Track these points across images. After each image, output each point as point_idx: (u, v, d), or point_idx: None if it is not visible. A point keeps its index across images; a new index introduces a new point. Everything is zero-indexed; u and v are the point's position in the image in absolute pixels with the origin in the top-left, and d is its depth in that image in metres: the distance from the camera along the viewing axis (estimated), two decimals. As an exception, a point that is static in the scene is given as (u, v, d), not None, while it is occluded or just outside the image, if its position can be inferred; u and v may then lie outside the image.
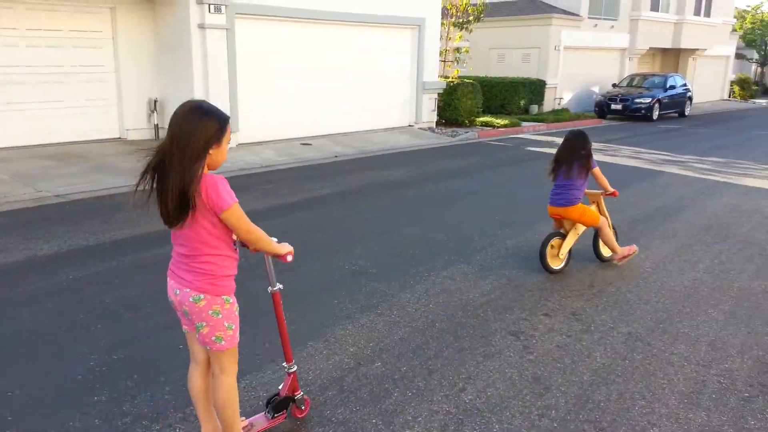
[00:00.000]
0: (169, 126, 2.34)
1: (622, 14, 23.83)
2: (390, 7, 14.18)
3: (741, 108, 28.62)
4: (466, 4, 17.45)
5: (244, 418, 2.91)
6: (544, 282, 5.07)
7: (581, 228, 5.34)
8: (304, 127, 13.16)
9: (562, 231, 5.41)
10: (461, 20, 17.59)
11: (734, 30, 34.93)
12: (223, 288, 2.51)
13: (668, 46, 26.70)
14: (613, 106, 20.47)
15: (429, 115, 15.93)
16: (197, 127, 2.31)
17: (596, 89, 23.84)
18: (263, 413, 2.97)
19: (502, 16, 21.88)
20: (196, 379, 2.70)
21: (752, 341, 3.99)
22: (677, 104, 21.69)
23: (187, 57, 11.04)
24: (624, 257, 5.45)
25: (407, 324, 4.21)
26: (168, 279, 2.56)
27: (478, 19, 17.64)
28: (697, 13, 27.14)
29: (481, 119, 17.14)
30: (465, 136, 14.99)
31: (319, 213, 7.34)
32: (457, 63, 18.13)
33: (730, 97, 34.90)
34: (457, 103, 16.25)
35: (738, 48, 37.08)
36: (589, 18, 22.26)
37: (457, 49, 18.23)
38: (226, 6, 11.04)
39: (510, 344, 3.94)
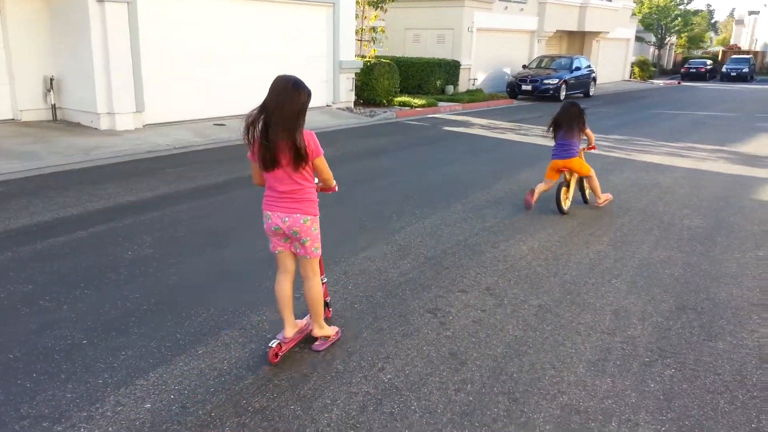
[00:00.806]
0: (272, 95, 3.12)
1: (531, -3, 24.54)
2: (303, -16, 13.86)
3: (641, 88, 30.38)
4: (381, -17, 17.36)
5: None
6: (460, 259, 5.17)
7: (576, 176, 6.75)
8: (217, 107, 12.68)
9: (555, 180, 6.69)
10: (376, 0, 17.49)
11: (634, 14, 36.88)
12: (317, 211, 3.44)
13: (574, 28, 27.84)
14: (523, 87, 21.15)
15: (347, 95, 15.80)
16: (294, 95, 3.10)
17: (508, 70, 24.52)
18: (307, 317, 3.76)
19: (417, -4, 21.96)
20: (286, 286, 3.52)
21: (651, 308, 4.25)
22: (582, 85, 22.69)
23: (85, 32, 10.33)
24: (604, 201, 6.92)
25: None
26: (269, 213, 3.35)
27: (392, -2, 17.61)
28: (600, -3, 28.39)
29: (399, 99, 17.21)
30: (383, 116, 15.01)
31: (236, 196, 7.12)
32: (374, 43, 18.07)
33: (630, 77, 36.97)
34: (375, 83, 16.22)
35: (637, 31, 39.26)
36: (500, 0, 22.76)
37: (373, 29, 18.15)
38: (126, -22, 10.39)
39: (428, 322, 3.99)
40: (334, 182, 3.57)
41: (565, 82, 21.15)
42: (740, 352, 3.64)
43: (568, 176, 6.70)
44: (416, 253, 5.31)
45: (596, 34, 29.81)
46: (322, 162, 3.34)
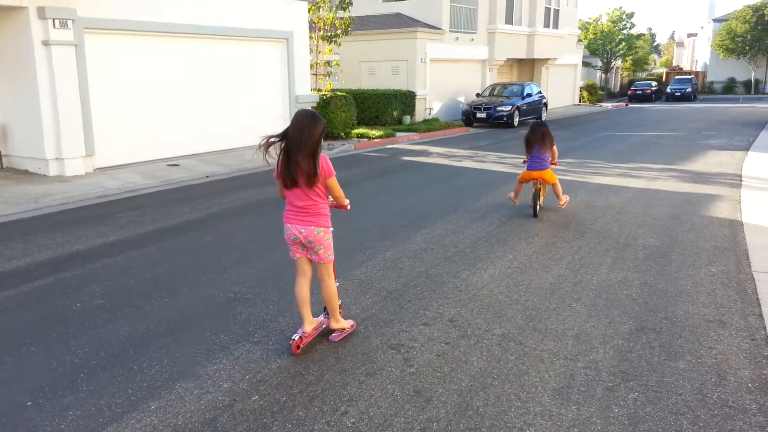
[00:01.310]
0: (294, 126, 3.74)
1: (480, 28, 25.23)
2: (255, 21, 13.93)
3: (590, 111, 31.34)
4: (332, 18, 17.57)
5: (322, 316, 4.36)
6: (422, 291, 5.13)
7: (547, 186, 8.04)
8: (170, 147, 12.51)
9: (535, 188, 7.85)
10: (329, 34, 17.68)
11: (580, 40, 38.26)
12: (329, 224, 4.01)
13: (523, 56, 28.66)
14: (478, 115, 21.57)
15: (303, 129, 15.77)
16: (313, 126, 3.72)
17: (462, 99, 25.01)
18: (322, 315, 4.39)
19: (370, 30, 22.32)
20: (304, 288, 4.10)
21: (612, 331, 4.28)
22: (535, 110, 23.27)
23: (31, 77, 10.11)
24: (565, 202, 7.98)
25: (286, 350, 4.05)
26: (288, 225, 3.98)
27: (345, 32, 17.83)
28: (546, 25, 29.40)
29: (357, 131, 17.31)
30: (341, 148, 15.04)
31: (189, 239, 6.95)
32: (329, 76, 18.21)
33: (580, 101, 38.14)
34: (332, 116, 16.29)
35: (584, 57, 40.70)
36: (450, 31, 23.32)
37: (328, 63, 18.30)
38: (72, 21, 10.25)
39: (391, 359, 3.92)
40: (347, 201, 4.13)
41: (518, 108, 21.65)
42: (700, 370, 3.68)
43: (538, 185, 7.84)
44: (378, 287, 5.25)
45: (545, 60, 30.76)
46: (333, 182, 3.93)
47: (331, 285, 4.13)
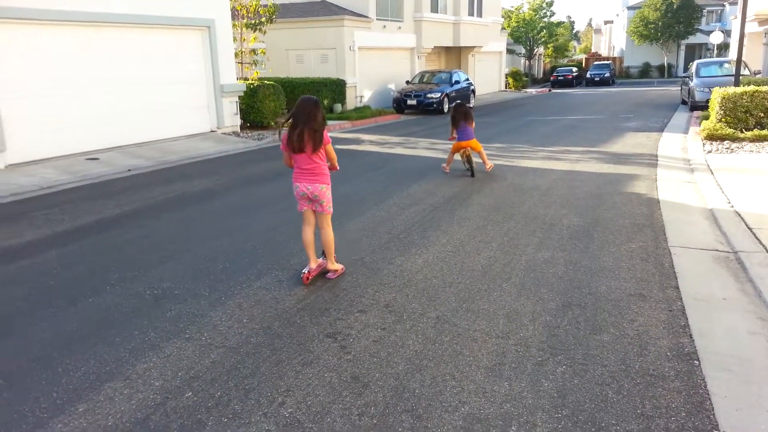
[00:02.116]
0: (300, 109, 4.77)
1: (407, 16, 25.34)
2: (174, 8, 13.39)
3: (516, 97, 32.19)
4: (256, 6, 17.18)
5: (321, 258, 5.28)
6: (358, 279, 5.14)
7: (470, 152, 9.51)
8: (90, 140, 11.92)
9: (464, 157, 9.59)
10: (254, 21, 17.28)
11: (503, 28, 39.16)
12: (329, 181, 5.04)
13: (450, 44, 29.05)
14: (409, 102, 21.74)
15: (232, 119, 15.42)
16: (315, 108, 4.79)
17: (392, 86, 25.10)
18: (321, 257, 5.31)
19: (295, 17, 21.98)
20: (309, 234, 5.10)
21: (540, 308, 4.43)
22: (463, 97, 23.65)
23: (-72, 68, 9.34)
24: (491, 166, 9.65)
25: (220, 344, 3.97)
26: (297, 183, 4.97)
27: (270, 20, 17.48)
28: (471, 13, 29.89)
29: (286, 121, 17.04)
30: (272, 138, 14.77)
31: (112, 236, 6.66)
32: (255, 65, 17.82)
33: (506, 88, 39.11)
34: (260, 106, 15.97)
35: (508, 44, 41.70)
36: (377, 19, 23.30)
37: (254, 51, 17.90)
38: (-27, 8, 9.53)
39: (328, 347, 3.91)
40: (337, 164, 5.19)
41: (447, 95, 21.96)
42: (623, 342, 3.88)
43: (468, 152, 9.50)
44: (312, 277, 5.21)
45: (471, 48, 31.30)
46: (330, 148, 5.00)
47: (330, 233, 5.13)
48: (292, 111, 4.84)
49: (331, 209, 5.12)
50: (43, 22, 10.88)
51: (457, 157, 9.82)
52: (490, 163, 9.73)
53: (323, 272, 5.22)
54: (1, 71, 10.24)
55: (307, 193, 4.96)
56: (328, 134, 4.96)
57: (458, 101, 10.59)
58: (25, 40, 10.69)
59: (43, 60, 11.01)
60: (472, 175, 9.45)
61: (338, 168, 5.21)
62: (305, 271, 5.09)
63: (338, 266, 5.25)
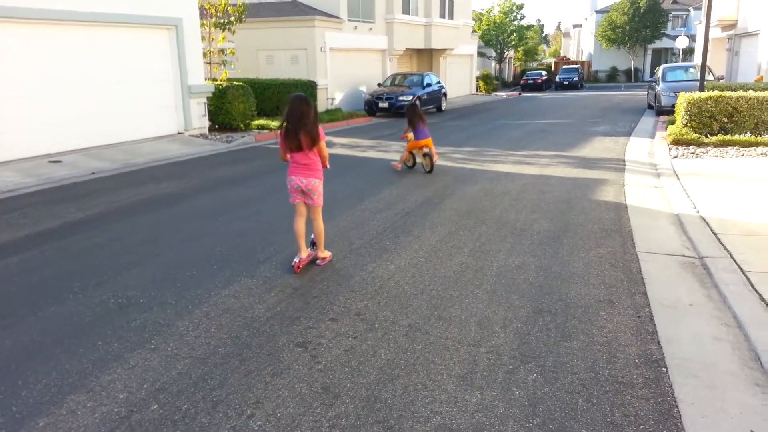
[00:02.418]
0: (293, 109, 5.09)
1: (378, 17, 25.34)
2: (139, 6, 13.11)
3: (487, 101, 32.47)
4: (225, 5, 16.96)
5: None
6: (329, 286, 5.08)
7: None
8: (53, 142, 11.60)
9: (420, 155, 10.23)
10: (222, 21, 17.06)
11: (474, 31, 39.46)
12: (322, 176, 5.45)
13: (422, 46, 29.16)
14: (380, 104, 21.75)
15: (200, 120, 15.19)
16: (307, 107, 5.11)
17: (364, 88, 25.06)
18: (310, 248, 5.72)
19: (266, 17, 21.78)
20: (300, 225, 5.48)
21: (511, 315, 4.45)
22: (435, 100, 23.77)
23: None
24: (437, 158, 10.55)
25: (187, 355, 3.87)
26: (293, 177, 5.34)
27: (239, 20, 17.27)
28: (442, 15, 30.06)
29: (257, 122, 16.89)
30: (241, 140, 14.60)
31: (75, 241, 6.48)
32: (224, 65, 17.58)
33: (477, 91, 39.42)
34: (229, 107, 15.76)
35: (479, 47, 42.05)
36: (349, 20, 23.24)
37: (222, 51, 17.67)
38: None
39: (298, 357, 3.85)
40: (328, 163, 5.51)
41: (419, 98, 22.01)
42: (592, 349, 3.91)
43: (424, 150, 10.14)
44: (283, 284, 5.14)
45: (443, 51, 31.46)
46: (323, 144, 5.32)
47: (320, 223, 5.57)
48: (286, 112, 5.17)
49: (322, 202, 5.52)
50: (3, 20, 10.54)
51: (416, 158, 10.60)
52: (437, 156, 10.56)
53: (313, 260, 5.64)
54: (-42, 69, 9.90)
55: (301, 186, 5.37)
56: (323, 131, 5.34)
57: (412, 103, 11.52)
58: (-15, 37, 10.36)
59: (5, 59, 10.67)
60: (431, 171, 10.21)
61: (328, 167, 5.51)
62: (296, 260, 5.43)
63: (327, 254, 5.73)
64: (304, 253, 5.49)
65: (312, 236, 5.69)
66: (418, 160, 10.53)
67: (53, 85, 11.59)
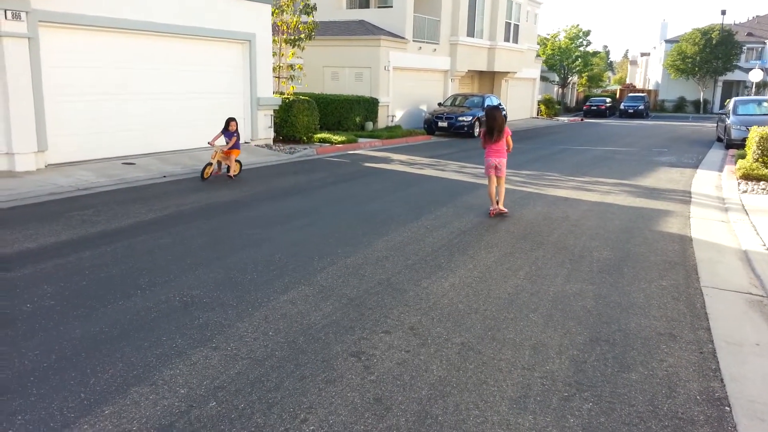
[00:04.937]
0: (491, 113, 8.50)
1: (443, 39, 25.53)
2: (216, 21, 13.73)
3: (547, 125, 32.07)
4: (296, 22, 17.49)
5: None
6: (384, 299, 5.14)
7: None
8: (126, 145, 12.21)
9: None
10: (293, 37, 17.58)
11: (538, 55, 39.16)
12: (506, 156, 8.64)
13: (484, 68, 29.14)
14: (440, 124, 21.82)
15: (266, 131, 15.66)
16: (500, 112, 8.60)
17: (424, 107, 25.23)
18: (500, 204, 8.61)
19: (334, 35, 22.30)
20: (492, 188, 8.55)
21: (567, 342, 4.38)
22: (495, 122, 23.59)
23: (-20, 68, 9.70)
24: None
25: (245, 356, 4.00)
26: (490, 158, 8.43)
27: (309, 37, 17.76)
28: (507, 39, 29.98)
29: (319, 136, 17.26)
30: (303, 152, 14.95)
31: (144, 240, 6.79)
32: (292, 80, 18.09)
33: (538, 115, 38.98)
34: (294, 120, 16.18)
35: (542, 71, 41.65)
36: (414, 41, 23.51)
37: (291, 66, 18.19)
38: (26, 12, 9.90)
39: (352, 366, 3.91)
40: (512, 149, 8.56)
41: (479, 119, 21.96)
42: (651, 382, 3.80)
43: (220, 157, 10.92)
44: (339, 294, 5.24)
45: (505, 73, 31.33)
46: (509, 137, 8.42)
47: (504, 186, 8.59)
48: (486, 119, 8.53)
49: (505, 172, 8.53)
50: (91, 28, 11.23)
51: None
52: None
53: (499, 213, 8.48)
54: (50, 74, 10.58)
55: (495, 163, 8.37)
56: (508, 129, 8.47)
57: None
58: (72, 44, 11.04)
59: (88, 65, 11.35)
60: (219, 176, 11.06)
61: (511, 151, 8.56)
62: (492, 209, 8.51)
63: (506, 210, 8.54)
64: (494, 206, 8.47)
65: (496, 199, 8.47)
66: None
67: (132, 90, 12.21)
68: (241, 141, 15.10)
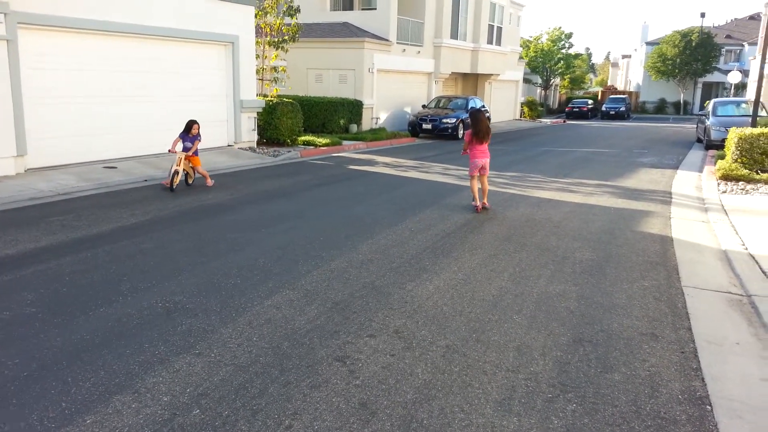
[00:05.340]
0: (477, 116, 9.03)
1: (426, 41, 25.60)
2: (200, 23, 13.64)
3: (531, 127, 32.30)
4: (280, 24, 17.44)
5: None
6: (368, 302, 5.13)
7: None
8: (108, 149, 12.08)
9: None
10: (276, 39, 17.53)
11: (521, 58, 39.43)
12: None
13: (467, 71, 29.27)
14: (424, 126, 21.88)
15: (249, 134, 15.59)
16: (484, 114, 9.37)
17: (408, 109, 25.28)
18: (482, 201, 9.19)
19: (317, 37, 22.27)
20: (476, 186, 9.05)
21: (551, 343, 4.41)
22: (479, 123, 23.71)
23: (-44, 71, 9.54)
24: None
25: (229, 362, 3.97)
26: (477, 159, 8.88)
27: (293, 39, 17.73)
28: (490, 42, 30.16)
29: (303, 138, 17.22)
30: (287, 155, 14.91)
31: (126, 245, 6.72)
32: (276, 82, 18.03)
33: (521, 117, 39.25)
34: (278, 123, 16.13)
35: (525, 74, 41.94)
36: (397, 43, 23.55)
37: (275, 68, 18.13)
38: (5, 14, 9.76)
39: (336, 371, 3.90)
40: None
41: (462, 121, 22.07)
42: (634, 382, 3.84)
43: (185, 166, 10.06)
44: (323, 297, 5.22)
45: (488, 76, 31.50)
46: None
47: (487, 185, 9.16)
48: (473, 121, 8.95)
49: (488, 171, 9.16)
50: (71, 30, 11.10)
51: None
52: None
53: (483, 207, 9.03)
54: (30, 76, 10.44)
55: (483, 163, 8.86)
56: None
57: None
58: (52, 47, 10.90)
59: (70, 67, 11.22)
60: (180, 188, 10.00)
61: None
62: (477, 204, 8.96)
63: (488, 205, 9.20)
64: (479, 202, 8.96)
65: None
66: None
67: (113, 93, 12.09)
68: (225, 144, 15.08)
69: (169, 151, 10.08)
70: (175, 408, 3.40)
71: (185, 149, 9.97)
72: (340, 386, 3.70)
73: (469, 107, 23.26)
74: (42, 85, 10.76)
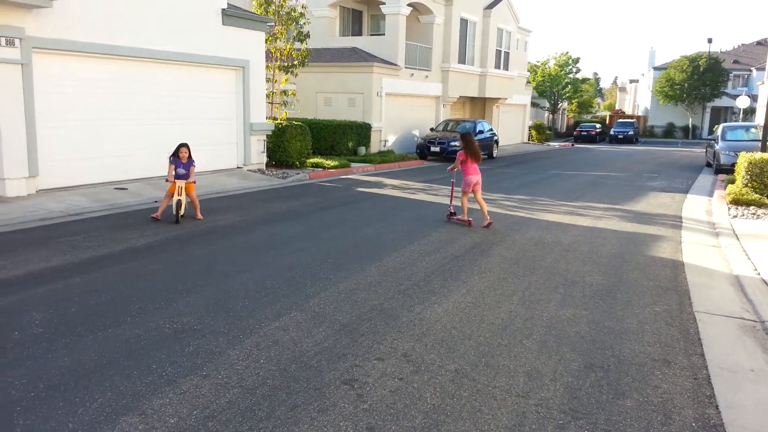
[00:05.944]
0: (469, 139, 9.78)
1: (434, 65, 25.85)
2: (212, 48, 13.85)
3: (538, 150, 32.34)
4: (290, 49, 17.67)
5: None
6: (377, 325, 5.10)
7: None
8: (120, 170, 12.19)
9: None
10: (286, 64, 17.74)
11: (528, 82, 39.66)
12: None
13: (475, 95, 29.48)
14: (432, 149, 21.96)
15: (259, 156, 15.69)
16: (473, 139, 9.94)
17: (417, 132, 25.42)
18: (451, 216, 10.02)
19: (327, 62, 22.54)
20: (466, 200, 9.84)
21: (562, 368, 4.35)
22: (486, 147, 23.82)
23: (-28, 93, 9.70)
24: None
25: (236, 384, 3.94)
26: (470, 176, 9.62)
27: (303, 63, 17.93)
28: (497, 66, 30.40)
29: (312, 160, 17.31)
30: (296, 177, 14.97)
31: (135, 266, 6.73)
32: (285, 105, 18.20)
33: (529, 140, 39.35)
34: (287, 145, 16.25)
35: (533, 98, 42.18)
36: (406, 68, 23.79)
37: (284, 92, 18.32)
38: (20, 39, 9.94)
39: (344, 394, 3.86)
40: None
41: (471, 144, 22.12)
42: (646, 408, 3.77)
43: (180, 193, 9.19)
44: (331, 320, 5.20)
45: (496, 99, 31.70)
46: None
47: (480, 197, 9.73)
48: (467, 143, 9.61)
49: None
50: (85, 55, 11.29)
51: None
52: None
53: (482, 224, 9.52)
54: (43, 99, 10.60)
55: (476, 180, 9.58)
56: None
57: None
58: (65, 70, 11.08)
59: (82, 91, 11.38)
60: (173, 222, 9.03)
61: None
62: (470, 219, 9.60)
63: (488, 220, 9.57)
64: (466, 216, 9.66)
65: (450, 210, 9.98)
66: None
67: (125, 116, 12.24)
68: (234, 165, 15.18)
69: (167, 180, 9.22)
70: (182, 430, 3.37)
71: (182, 176, 9.15)
72: (347, 410, 3.66)
73: (477, 130, 23.40)
74: (54, 107, 10.90)
